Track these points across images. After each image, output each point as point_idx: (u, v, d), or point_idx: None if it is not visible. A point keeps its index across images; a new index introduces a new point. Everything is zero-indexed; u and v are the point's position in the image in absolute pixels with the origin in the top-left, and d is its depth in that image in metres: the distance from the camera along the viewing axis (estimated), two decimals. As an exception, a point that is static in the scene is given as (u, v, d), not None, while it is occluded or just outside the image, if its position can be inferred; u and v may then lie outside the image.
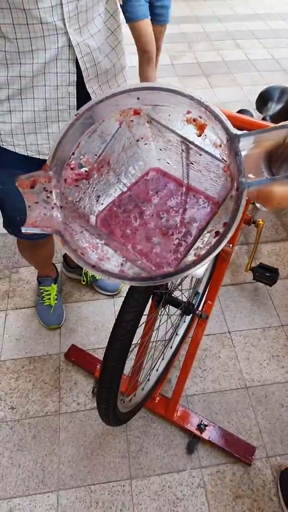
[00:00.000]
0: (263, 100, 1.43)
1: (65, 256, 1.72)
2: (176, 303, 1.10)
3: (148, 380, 1.24)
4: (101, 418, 0.93)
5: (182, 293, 1.16)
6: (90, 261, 0.40)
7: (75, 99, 0.87)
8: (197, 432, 1.27)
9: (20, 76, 0.80)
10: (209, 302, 1.13)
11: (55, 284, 1.61)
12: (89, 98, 0.92)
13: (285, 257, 1.83)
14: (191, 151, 0.52)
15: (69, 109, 0.89)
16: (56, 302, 1.59)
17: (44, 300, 1.59)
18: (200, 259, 0.37)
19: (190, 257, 0.49)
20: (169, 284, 1.10)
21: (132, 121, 0.51)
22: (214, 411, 1.36)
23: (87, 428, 1.32)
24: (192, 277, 1.16)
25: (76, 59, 0.82)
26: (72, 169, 0.46)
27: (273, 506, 1.17)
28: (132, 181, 0.58)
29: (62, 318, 1.59)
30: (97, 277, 1.67)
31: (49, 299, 1.58)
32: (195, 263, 0.37)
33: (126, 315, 0.77)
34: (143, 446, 1.28)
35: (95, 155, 0.49)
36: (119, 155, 0.53)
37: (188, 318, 1.42)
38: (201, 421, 1.29)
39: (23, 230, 0.39)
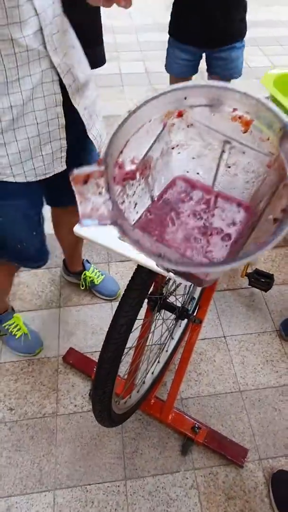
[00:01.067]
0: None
1: (64, 261, 1.75)
2: (171, 308, 1.13)
3: (144, 383, 1.27)
4: (96, 418, 0.97)
5: (177, 299, 1.19)
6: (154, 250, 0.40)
7: (63, 118, 0.90)
8: (191, 435, 1.30)
9: (11, 106, 0.81)
10: (203, 307, 1.16)
11: (14, 312, 1.56)
12: (76, 114, 0.94)
13: (280, 263, 1.87)
14: (233, 151, 0.54)
15: (59, 128, 0.91)
16: (26, 327, 1.54)
17: (16, 334, 1.51)
18: (263, 245, 0.38)
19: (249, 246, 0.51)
20: (164, 289, 1.13)
21: (173, 124, 0.53)
22: (208, 414, 1.39)
23: (83, 429, 1.35)
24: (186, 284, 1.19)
25: (59, 79, 0.85)
26: (120, 167, 0.47)
27: (265, 507, 1.19)
28: (161, 190, 0.60)
29: (40, 338, 1.56)
30: (96, 282, 1.70)
31: (19, 329, 1.52)
32: (259, 248, 0.38)
33: (120, 319, 0.80)
34: (138, 448, 1.31)
35: (141, 155, 0.51)
36: (157, 160, 0.56)
37: (183, 323, 1.45)
38: (195, 423, 1.32)
39: (83, 223, 0.39)
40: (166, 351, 1.40)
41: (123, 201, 0.50)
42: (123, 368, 1.33)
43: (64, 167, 0.99)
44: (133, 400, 1.20)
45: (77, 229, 0.78)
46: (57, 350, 1.55)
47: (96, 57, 1.99)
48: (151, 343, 1.25)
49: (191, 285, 1.27)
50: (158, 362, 1.36)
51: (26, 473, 1.26)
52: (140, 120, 0.48)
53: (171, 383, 1.29)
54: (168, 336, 1.39)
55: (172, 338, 1.43)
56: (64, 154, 0.97)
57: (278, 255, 1.91)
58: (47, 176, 0.97)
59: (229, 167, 0.58)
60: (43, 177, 0.96)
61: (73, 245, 1.60)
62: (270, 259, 1.89)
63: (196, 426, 1.31)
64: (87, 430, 1.35)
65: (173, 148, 0.57)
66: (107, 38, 2.07)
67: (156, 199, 0.59)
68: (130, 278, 0.81)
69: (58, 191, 1.00)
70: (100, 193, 0.41)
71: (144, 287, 0.81)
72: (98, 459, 1.29)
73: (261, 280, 1.63)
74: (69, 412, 1.39)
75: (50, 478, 1.25)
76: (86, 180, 0.41)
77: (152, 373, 1.32)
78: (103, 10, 1.96)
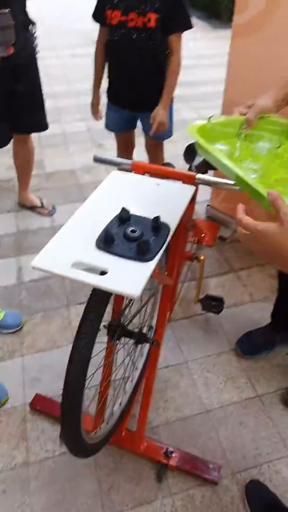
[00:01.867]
0: (189, 153, 1.67)
1: None
2: (129, 333, 1.20)
3: (112, 414, 1.30)
4: (67, 446, 0.99)
5: (136, 327, 1.27)
6: None
7: None
8: (164, 460, 1.32)
9: None
10: (159, 329, 1.25)
11: None
12: None
13: (229, 288, 2.01)
14: None
15: None
16: None
17: None
18: None
19: None
20: (121, 318, 1.21)
21: None
22: (179, 439, 1.42)
23: (57, 474, 1.33)
24: (141, 311, 1.27)
25: None
26: None
27: (242, 520, 1.22)
28: None
29: (5, 388, 1.55)
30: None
31: None
32: None
33: (80, 341, 0.87)
34: (114, 483, 1.31)
35: None
36: None
37: (145, 352, 1.52)
38: (167, 448, 1.35)
39: None
40: (131, 381, 1.45)
41: None
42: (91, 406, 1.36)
43: None
44: (103, 431, 1.22)
45: (35, 263, 0.86)
46: (23, 398, 1.54)
47: (39, 122, 2.18)
48: (116, 373, 1.29)
49: (145, 312, 1.35)
50: (125, 392, 1.40)
51: (0, 528, 1.21)
52: None
53: (139, 411, 1.33)
54: (132, 366, 1.44)
55: (136, 369, 1.48)
56: None
57: (227, 280, 2.06)
58: None
59: None
60: None
61: None
62: (220, 285, 2.03)
63: (168, 450, 1.34)
64: (61, 474, 1.33)
65: None
66: (49, 103, 2.27)
67: None
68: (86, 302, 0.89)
69: None
70: None
71: (99, 308, 0.89)
72: (74, 501, 1.26)
73: (213, 303, 1.75)
74: (41, 459, 1.37)
75: (26, 530, 1.21)
76: None
77: (120, 404, 1.36)
78: (43, 78, 2.18)
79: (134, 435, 1.37)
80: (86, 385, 0.93)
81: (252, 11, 1.65)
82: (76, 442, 0.97)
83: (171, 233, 0.91)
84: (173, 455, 1.33)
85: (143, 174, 1.15)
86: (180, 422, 1.47)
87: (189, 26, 1.80)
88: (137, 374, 1.47)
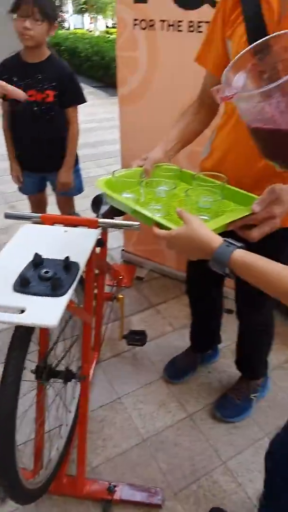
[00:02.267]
0: (96, 203, 1.86)
1: None
2: (57, 373, 1.26)
3: (50, 460, 1.31)
4: (7, 494, 0.99)
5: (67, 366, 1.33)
6: None
7: None
8: (108, 496, 1.34)
9: None
10: (84, 364, 1.32)
11: None
12: None
13: (150, 321, 2.16)
14: None
15: None
16: None
17: None
18: None
19: None
20: (48, 359, 1.27)
21: None
22: (120, 473, 1.46)
23: (-1, 539, 1.27)
24: (67, 354, 1.34)
25: None
26: None
27: (188, 535, 1.28)
28: None
29: None
30: None
31: None
32: None
33: (8, 378, 0.92)
34: (60, 532, 1.29)
35: None
36: None
37: (77, 394, 1.56)
38: (110, 484, 1.37)
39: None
40: (66, 425, 1.47)
41: None
42: (26, 460, 1.35)
43: None
44: (43, 477, 1.22)
45: None
46: None
47: None
48: (49, 415, 1.32)
49: (72, 354, 1.43)
50: (61, 437, 1.42)
51: None
52: None
53: (77, 454, 1.35)
54: (65, 410, 1.47)
55: (70, 412, 1.51)
56: None
57: (148, 316, 2.21)
58: None
59: None
60: None
61: None
62: (142, 320, 2.17)
63: (111, 486, 1.36)
64: (3, 538, 1.27)
65: None
66: None
67: None
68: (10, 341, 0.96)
69: None
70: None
71: (22, 346, 0.96)
72: None
73: (136, 337, 1.88)
74: (-20, 527, 1.30)
75: None
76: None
77: (57, 448, 1.37)
78: None
79: (75, 480, 1.37)
80: (16, 425, 0.97)
81: (131, 86, 1.98)
82: (15, 485, 0.98)
83: (81, 269, 1.03)
84: (116, 489, 1.36)
85: (53, 224, 1.27)
86: (120, 457, 1.51)
87: (82, 101, 2.08)
88: (71, 417, 1.50)
